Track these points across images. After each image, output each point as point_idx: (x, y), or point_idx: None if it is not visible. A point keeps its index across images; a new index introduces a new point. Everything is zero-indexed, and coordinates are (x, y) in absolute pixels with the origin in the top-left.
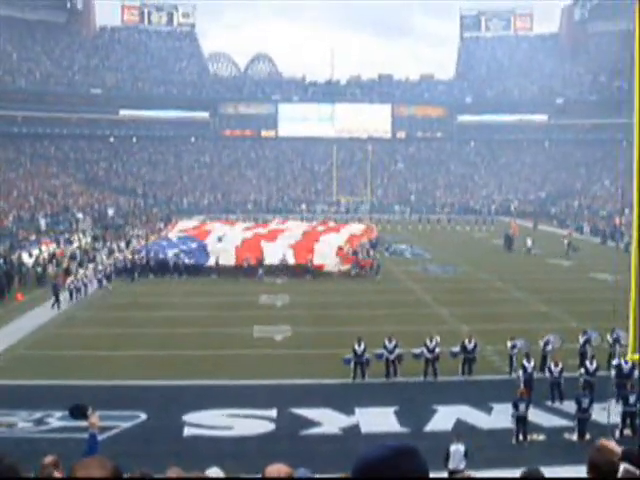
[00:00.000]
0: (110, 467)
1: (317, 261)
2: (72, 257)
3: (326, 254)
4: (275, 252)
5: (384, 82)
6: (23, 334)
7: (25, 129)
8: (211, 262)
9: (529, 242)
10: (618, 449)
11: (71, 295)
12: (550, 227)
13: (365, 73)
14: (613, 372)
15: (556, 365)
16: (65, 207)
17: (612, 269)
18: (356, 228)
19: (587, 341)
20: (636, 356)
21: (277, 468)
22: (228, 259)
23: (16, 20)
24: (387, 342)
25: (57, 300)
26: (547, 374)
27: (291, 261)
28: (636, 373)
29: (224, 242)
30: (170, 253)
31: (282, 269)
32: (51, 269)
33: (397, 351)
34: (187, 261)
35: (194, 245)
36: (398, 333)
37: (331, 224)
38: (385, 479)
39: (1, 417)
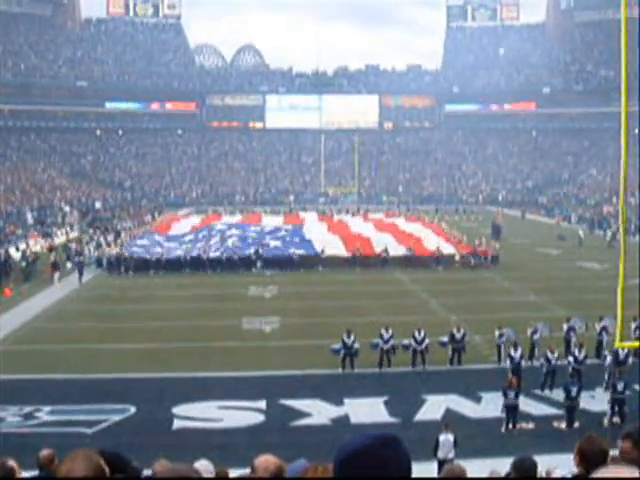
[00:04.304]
0: (95, 461)
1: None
2: (64, 250)
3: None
4: (382, 242)
5: (371, 73)
6: (11, 328)
7: (11, 122)
8: (318, 251)
9: (581, 233)
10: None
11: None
12: (538, 216)
13: (352, 64)
14: (609, 359)
15: (552, 352)
16: (52, 201)
17: (599, 258)
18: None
19: (571, 328)
20: (623, 344)
21: (265, 459)
22: (338, 248)
23: (1, 13)
24: (384, 332)
25: (81, 274)
26: (544, 362)
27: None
28: (630, 360)
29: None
30: (269, 243)
31: (406, 259)
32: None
33: (392, 342)
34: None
35: (292, 236)
36: (387, 324)
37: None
38: (368, 468)
39: None
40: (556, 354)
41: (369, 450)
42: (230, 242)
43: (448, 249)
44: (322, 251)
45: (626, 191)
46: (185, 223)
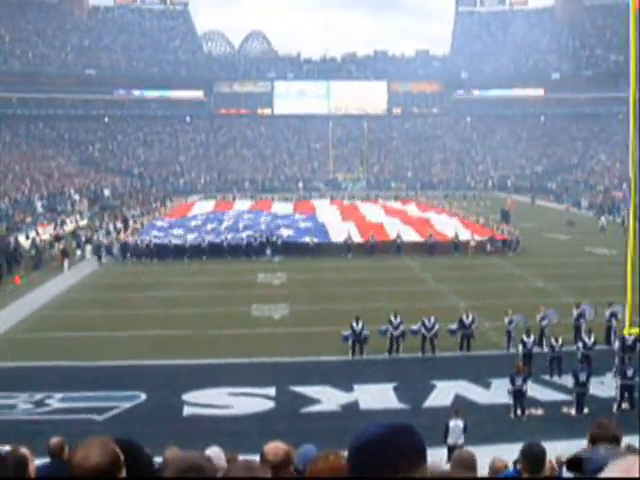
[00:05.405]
0: (111, 448)
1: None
2: (73, 237)
3: (454, 226)
4: (398, 229)
5: (379, 58)
6: (22, 316)
7: (20, 111)
8: (338, 239)
9: (603, 220)
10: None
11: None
12: (547, 202)
13: (360, 50)
14: (617, 344)
15: (556, 340)
16: (61, 189)
17: (609, 244)
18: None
19: (581, 315)
20: (634, 330)
21: (275, 446)
22: (355, 235)
23: (8, 1)
24: (393, 318)
25: (100, 258)
26: (548, 349)
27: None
28: (638, 346)
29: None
30: (285, 232)
31: (424, 246)
32: (52, 250)
33: (402, 327)
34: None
35: (308, 223)
36: (396, 310)
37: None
38: (382, 456)
39: (1, 399)
40: (560, 341)
41: (384, 439)
42: (241, 226)
43: (465, 235)
44: (349, 237)
45: (636, 176)
46: (198, 209)
